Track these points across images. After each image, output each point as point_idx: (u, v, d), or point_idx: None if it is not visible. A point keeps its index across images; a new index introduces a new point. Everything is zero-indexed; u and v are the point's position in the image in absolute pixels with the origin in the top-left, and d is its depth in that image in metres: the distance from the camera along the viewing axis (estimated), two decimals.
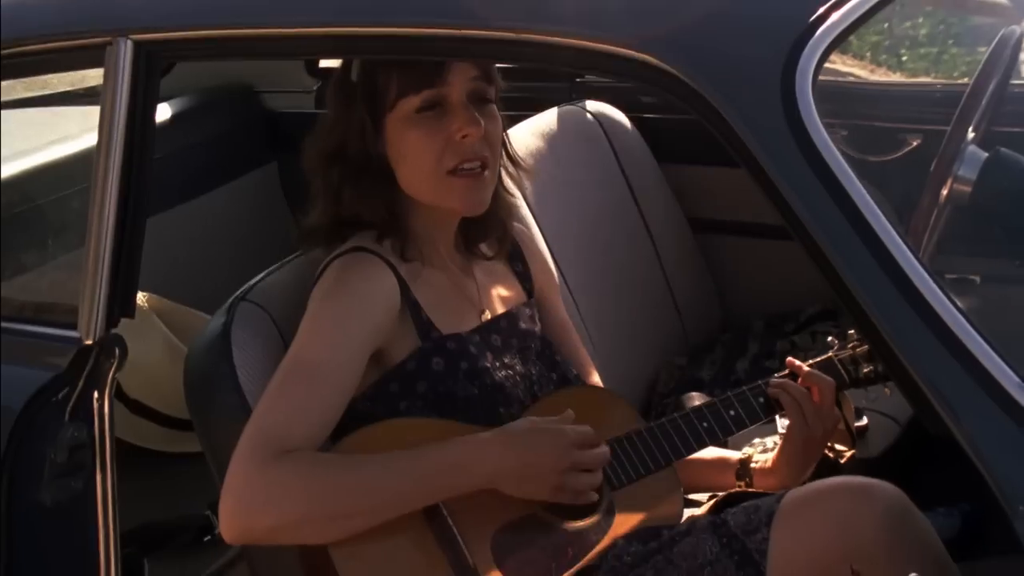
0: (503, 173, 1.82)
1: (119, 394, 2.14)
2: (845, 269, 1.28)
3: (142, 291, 2.33)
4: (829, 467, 1.95)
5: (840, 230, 1.28)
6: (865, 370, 1.88)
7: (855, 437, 1.95)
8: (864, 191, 1.29)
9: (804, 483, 1.77)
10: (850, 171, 1.29)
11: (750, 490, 1.87)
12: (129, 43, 1.67)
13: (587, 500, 1.63)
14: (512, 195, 1.88)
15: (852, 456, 1.99)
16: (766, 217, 2.87)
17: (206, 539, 2.31)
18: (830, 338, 1.96)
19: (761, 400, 1.81)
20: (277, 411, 1.55)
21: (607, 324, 2.55)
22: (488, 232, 1.85)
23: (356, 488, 1.52)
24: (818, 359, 1.88)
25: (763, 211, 2.82)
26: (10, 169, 2.55)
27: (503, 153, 1.79)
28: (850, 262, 1.28)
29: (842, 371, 1.86)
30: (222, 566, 2.24)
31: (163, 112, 3.07)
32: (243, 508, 1.49)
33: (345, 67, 1.74)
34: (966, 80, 2.81)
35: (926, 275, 1.27)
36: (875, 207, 1.29)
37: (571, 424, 1.62)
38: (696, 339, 2.86)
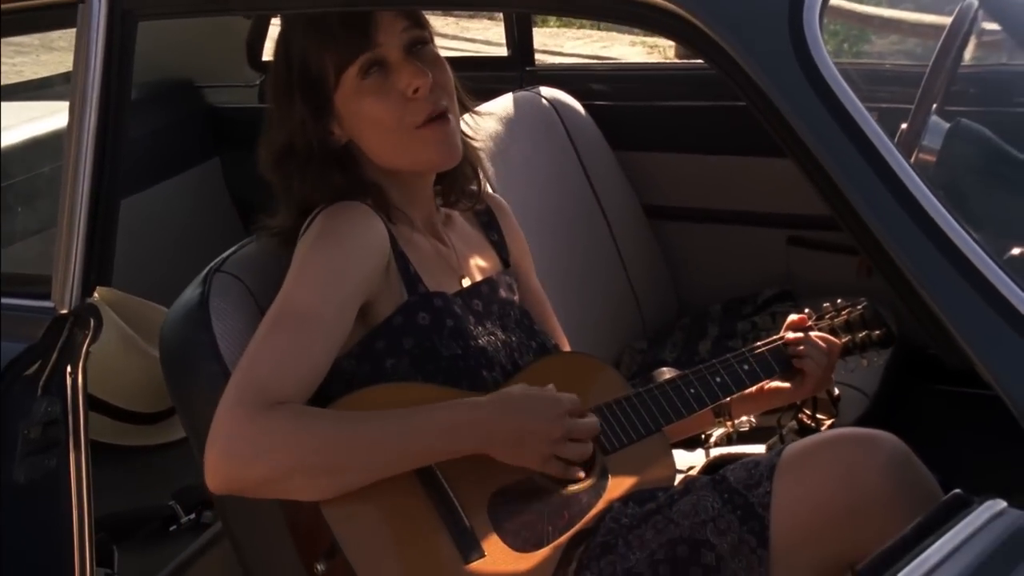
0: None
1: None
2: (859, 201, 1.27)
3: None
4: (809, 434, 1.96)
5: (852, 160, 1.28)
6: (844, 340, 1.89)
7: (837, 405, 1.96)
8: (872, 121, 1.30)
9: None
10: (859, 103, 1.29)
11: (733, 451, 1.89)
12: (103, 0, 1.61)
13: (573, 476, 1.59)
14: (472, 139, 1.84)
15: (831, 425, 2.00)
16: (718, 203, 2.93)
17: (172, 529, 2.25)
18: (807, 309, 1.96)
19: (745, 367, 1.81)
20: (265, 360, 1.49)
21: (568, 307, 2.53)
22: (464, 181, 1.82)
23: (349, 442, 1.47)
24: (798, 331, 1.88)
25: (715, 196, 2.91)
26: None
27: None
28: (861, 191, 1.28)
29: None
30: (189, 556, 2.18)
31: None
32: (232, 457, 1.43)
33: (279, 61, 1.70)
34: (913, 63, 2.87)
35: (939, 205, 1.28)
36: (886, 139, 1.29)
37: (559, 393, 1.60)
38: (653, 325, 2.86)
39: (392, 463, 1.50)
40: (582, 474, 1.61)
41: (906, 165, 1.29)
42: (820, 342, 1.84)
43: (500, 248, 1.89)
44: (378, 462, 1.49)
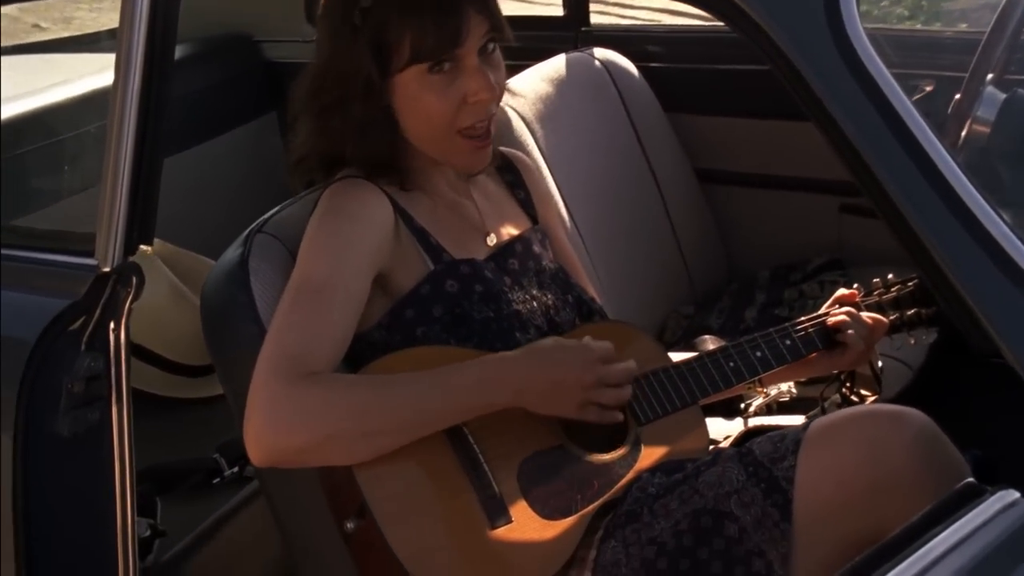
0: None
1: None
2: (888, 179, 1.26)
3: None
4: None
5: (882, 137, 1.26)
6: (892, 317, 1.87)
7: (880, 382, 1.94)
8: (906, 99, 1.28)
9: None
10: (893, 81, 1.28)
11: (771, 422, 1.88)
12: None
13: (612, 420, 1.60)
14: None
15: (875, 401, 1.99)
16: (770, 168, 2.91)
17: (215, 481, 2.29)
18: (857, 285, 1.93)
19: (788, 343, 1.79)
20: (292, 332, 1.52)
21: (616, 270, 2.54)
22: None
23: (384, 405, 1.50)
24: (845, 307, 1.86)
25: (768, 162, 2.88)
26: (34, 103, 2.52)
27: None
28: (893, 171, 1.26)
29: None
30: (231, 508, 2.22)
31: None
32: (272, 428, 1.46)
33: (347, 3, 1.65)
34: (978, 29, 2.82)
35: (973, 189, 1.26)
36: (919, 118, 1.27)
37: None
38: (702, 289, 2.86)
39: (427, 422, 1.52)
40: (621, 416, 1.62)
41: (930, 133, 1.26)
42: (866, 319, 1.83)
43: (527, 205, 1.90)
44: (413, 422, 1.51)
